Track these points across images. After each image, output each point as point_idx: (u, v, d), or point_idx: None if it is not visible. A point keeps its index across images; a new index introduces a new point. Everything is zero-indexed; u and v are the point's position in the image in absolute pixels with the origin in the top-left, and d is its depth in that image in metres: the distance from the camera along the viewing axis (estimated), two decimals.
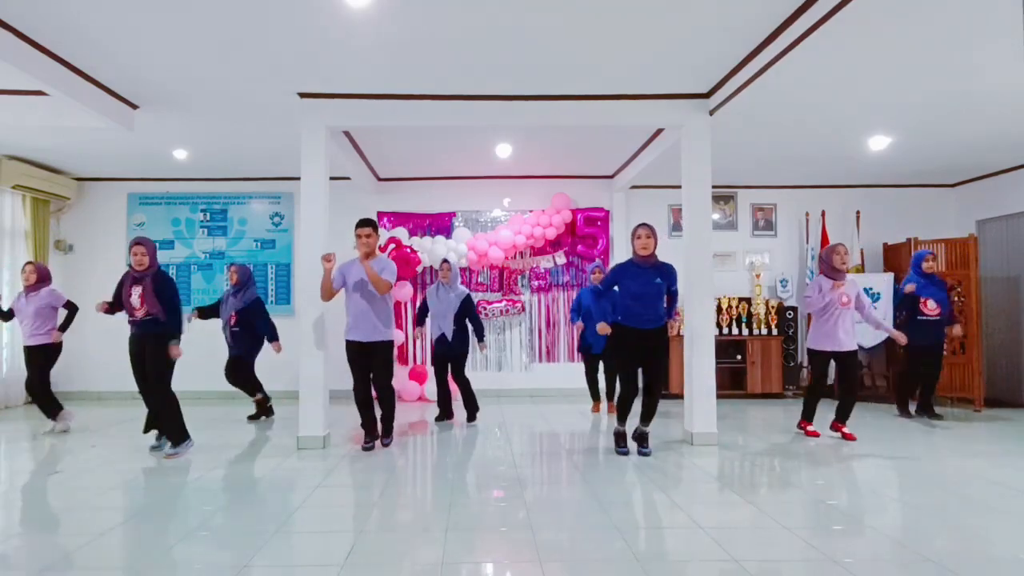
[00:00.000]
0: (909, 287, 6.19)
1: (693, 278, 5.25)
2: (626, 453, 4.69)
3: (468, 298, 6.02)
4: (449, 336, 5.96)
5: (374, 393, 5.01)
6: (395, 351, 5.09)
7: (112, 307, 4.82)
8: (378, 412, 5.08)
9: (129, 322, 4.69)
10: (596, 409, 6.62)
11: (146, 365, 4.66)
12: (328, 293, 4.78)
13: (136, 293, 4.57)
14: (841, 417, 5.35)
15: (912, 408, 6.48)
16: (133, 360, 4.71)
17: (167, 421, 4.74)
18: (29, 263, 5.55)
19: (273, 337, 6.17)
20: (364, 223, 4.83)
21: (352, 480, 4.14)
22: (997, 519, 3.31)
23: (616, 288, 4.65)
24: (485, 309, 7.98)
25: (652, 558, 2.79)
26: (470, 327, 6.06)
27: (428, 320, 6.17)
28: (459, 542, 2.99)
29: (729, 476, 4.22)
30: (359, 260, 4.82)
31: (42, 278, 5.51)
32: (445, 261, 6.10)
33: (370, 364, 4.89)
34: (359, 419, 5.01)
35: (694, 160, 5.27)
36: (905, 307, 6.25)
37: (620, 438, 4.79)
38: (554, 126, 5.49)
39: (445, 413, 6.27)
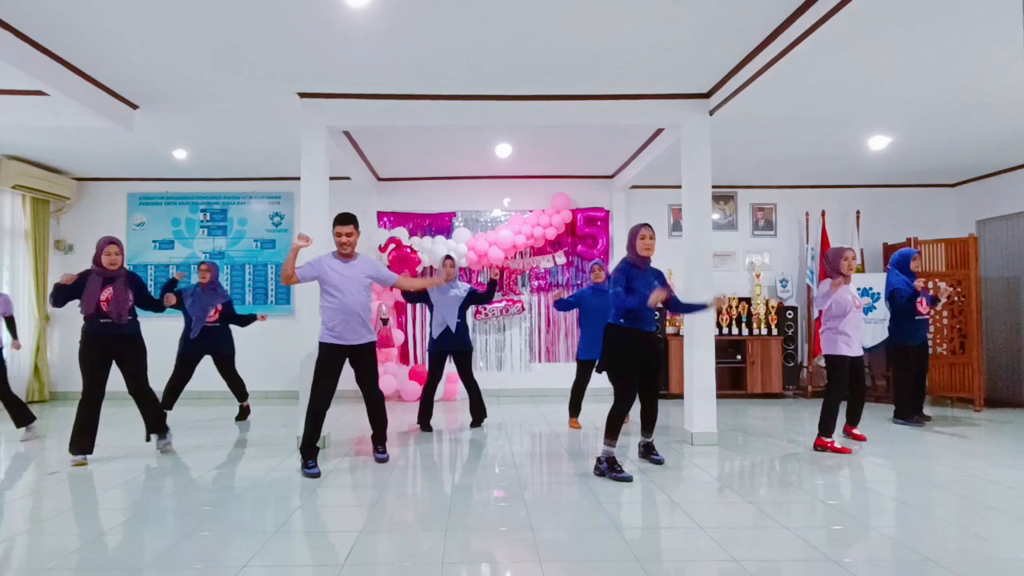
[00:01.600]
0: (922, 282, 5.87)
1: (693, 278, 5.25)
2: (629, 478, 4.04)
3: (472, 291, 5.91)
4: (453, 328, 5.71)
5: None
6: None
7: (69, 292, 4.47)
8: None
9: (101, 323, 4.46)
10: (574, 424, 5.94)
11: (127, 366, 4.61)
12: (289, 277, 4.17)
13: (114, 295, 4.45)
14: (853, 420, 5.20)
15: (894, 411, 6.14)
16: (100, 361, 4.49)
17: (156, 415, 4.85)
18: None
19: (251, 318, 6.22)
20: (346, 219, 4.32)
21: (352, 480, 4.14)
22: (997, 519, 3.31)
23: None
24: (485, 309, 7.98)
25: (652, 558, 2.79)
26: (471, 320, 6.00)
27: (432, 316, 5.82)
28: (459, 542, 2.99)
29: (729, 476, 4.22)
30: (337, 257, 4.35)
31: None
32: (448, 257, 5.81)
33: (355, 369, 4.42)
34: (303, 435, 4.29)
35: (694, 160, 5.27)
36: (904, 307, 5.87)
37: (614, 462, 4.13)
38: (554, 126, 5.49)
39: (426, 422, 5.83)
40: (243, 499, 3.71)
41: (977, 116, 5.45)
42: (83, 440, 4.50)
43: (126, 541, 3.04)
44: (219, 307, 5.97)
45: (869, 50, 4.07)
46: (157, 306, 4.93)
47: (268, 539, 3.02)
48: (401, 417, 6.54)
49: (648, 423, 4.48)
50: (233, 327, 6.19)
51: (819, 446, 4.89)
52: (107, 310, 4.46)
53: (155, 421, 4.87)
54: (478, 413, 5.95)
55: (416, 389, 7.66)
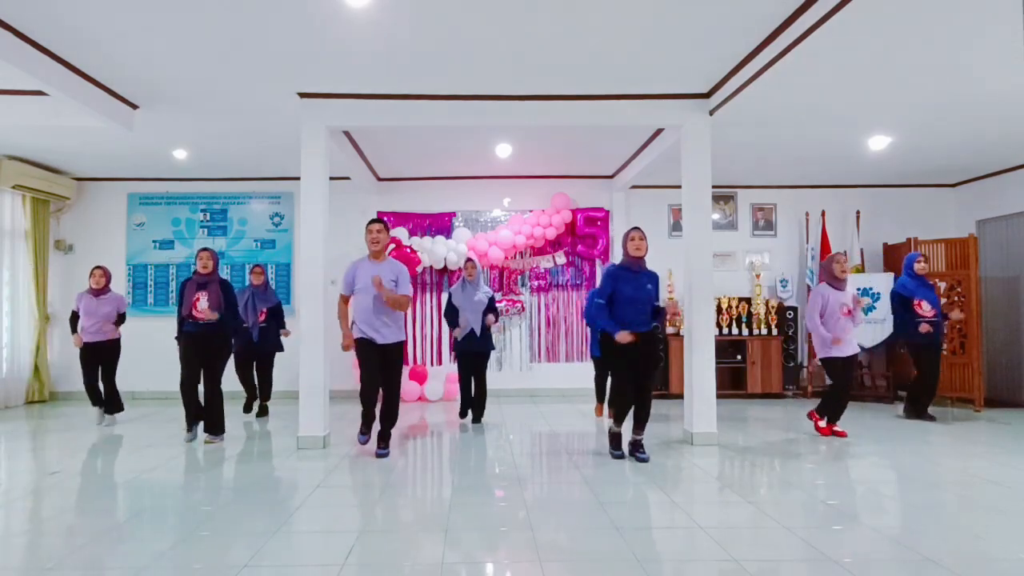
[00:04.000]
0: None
1: (693, 278, 5.25)
2: (621, 456, 4.58)
3: (493, 299, 6.15)
4: (478, 332, 5.95)
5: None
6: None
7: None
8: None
9: (189, 322, 5.03)
10: (599, 412, 6.37)
11: (205, 362, 5.10)
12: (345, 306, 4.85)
13: (204, 297, 5.01)
14: (833, 416, 5.44)
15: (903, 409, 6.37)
16: (190, 357, 5.08)
17: (215, 411, 5.14)
18: (98, 267, 6.00)
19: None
20: (375, 220, 4.78)
21: (352, 480, 4.13)
22: (997, 519, 3.31)
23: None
24: None
25: (652, 558, 2.79)
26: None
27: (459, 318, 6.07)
28: (459, 542, 2.99)
29: (729, 476, 4.22)
30: (368, 259, 4.71)
31: (109, 281, 6.03)
32: (470, 260, 6.12)
33: (384, 366, 4.68)
34: (361, 413, 4.74)
35: (694, 160, 5.27)
36: (899, 309, 6.19)
37: (615, 439, 4.67)
38: (554, 126, 5.49)
39: (464, 411, 6.29)
40: (243, 499, 3.71)
41: (977, 116, 5.45)
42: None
43: (126, 541, 3.04)
44: (265, 311, 6.34)
45: (869, 50, 4.07)
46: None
47: (268, 539, 3.02)
48: (401, 417, 6.53)
49: (638, 422, 4.55)
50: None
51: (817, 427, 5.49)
52: (198, 312, 5.05)
53: (204, 419, 5.23)
54: (478, 411, 6.15)
55: (415, 389, 7.69)
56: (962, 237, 7.26)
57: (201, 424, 5.25)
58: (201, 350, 5.08)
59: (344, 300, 4.80)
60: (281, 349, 6.64)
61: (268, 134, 6.17)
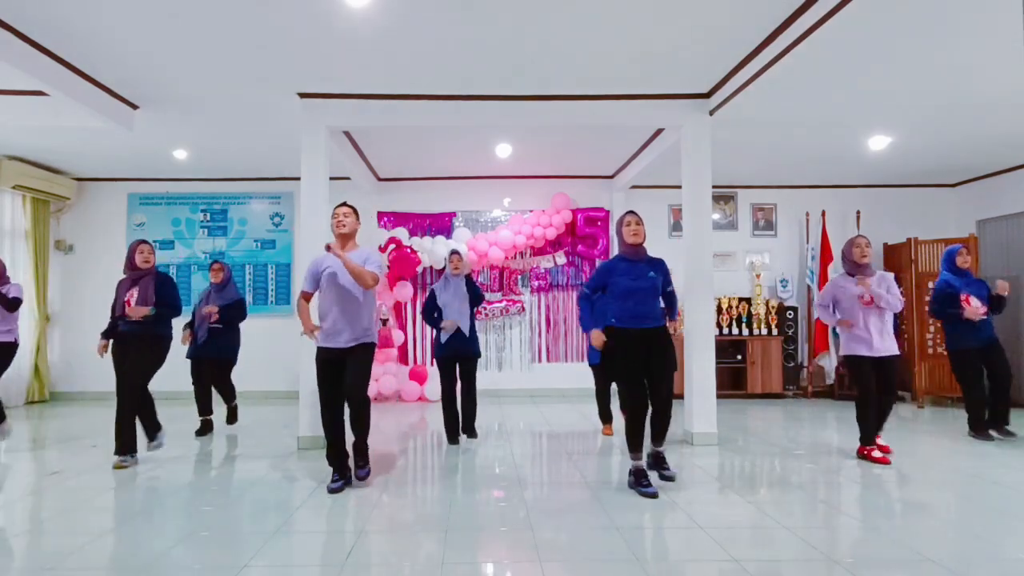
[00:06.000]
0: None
1: (693, 278, 5.25)
2: (655, 494, 3.69)
3: (469, 277, 5.37)
4: (466, 331, 5.16)
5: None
6: (373, 358, 4.04)
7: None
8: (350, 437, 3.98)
9: (123, 322, 4.47)
10: (607, 432, 5.55)
11: (127, 363, 4.42)
12: (307, 300, 4.06)
13: (136, 294, 4.43)
14: (865, 435, 4.62)
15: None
16: (121, 362, 4.46)
17: (145, 415, 4.58)
18: None
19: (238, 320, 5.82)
20: (343, 204, 4.12)
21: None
22: (998, 519, 3.31)
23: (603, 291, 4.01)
24: (485, 309, 7.98)
25: (652, 558, 2.79)
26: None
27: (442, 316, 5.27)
28: (459, 542, 2.99)
29: (729, 476, 4.22)
30: (332, 251, 3.77)
31: None
32: (455, 252, 5.33)
33: (342, 374, 3.85)
34: (326, 450, 3.95)
35: (694, 160, 5.27)
36: (945, 308, 5.41)
37: (640, 474, 3.80)
38: (554, 126, 5.49)
39: (455, 434, 5.25)
40: (243, 499, 3.71)
41: (977, 116, 5.45)
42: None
43: (126, 541, 3.04)
44: (216, 307, 5.53)
45: (869, 50, 4.07)
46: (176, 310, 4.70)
47: (268, 539, 3.02)
48: (400, 418, 6.54)
49: (656, 431, 3.92)
50: (242, 328, 5.86)
51: (862, 454, 4.61)
52: (126, 310, 4.44)
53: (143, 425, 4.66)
54: (469, 423, 5.35)
55: (415, 389, 7.67)
56: (962, 237, 7.26)
57: (155, 441, 4.71)
58: (130, 351, 4.42)
59: (305, 298, 4.03)
60: (234, 360, 5.81)
61: (268, 134, 6.17)
